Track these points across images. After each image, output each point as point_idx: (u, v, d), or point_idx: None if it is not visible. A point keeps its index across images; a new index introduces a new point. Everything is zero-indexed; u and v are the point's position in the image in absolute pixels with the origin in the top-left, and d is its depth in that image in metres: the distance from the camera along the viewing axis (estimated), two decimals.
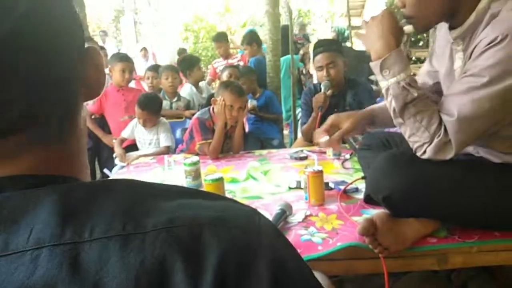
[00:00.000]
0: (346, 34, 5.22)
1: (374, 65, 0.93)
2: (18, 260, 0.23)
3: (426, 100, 0.90)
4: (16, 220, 0.25)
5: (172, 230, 0.24)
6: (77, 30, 0.31)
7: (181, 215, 0.25)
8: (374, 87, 3.88)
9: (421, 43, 4.89)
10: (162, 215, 0.25)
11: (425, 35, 4.53)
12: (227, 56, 3.68)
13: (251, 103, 2.57)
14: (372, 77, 4.82)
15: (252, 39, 3.44)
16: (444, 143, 0.86)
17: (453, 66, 0.98)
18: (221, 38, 3.74)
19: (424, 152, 0.88)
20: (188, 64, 3.02)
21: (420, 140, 0.88)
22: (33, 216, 0.25)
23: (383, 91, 0.93)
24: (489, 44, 0.80)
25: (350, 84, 2.01)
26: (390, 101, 0.91)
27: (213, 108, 1.88)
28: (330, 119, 1.16)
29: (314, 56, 1.99)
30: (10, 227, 0.24)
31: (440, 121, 0.87)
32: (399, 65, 0.90)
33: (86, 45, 0.33)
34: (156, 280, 0.22)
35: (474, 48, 0.85)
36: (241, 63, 3.45)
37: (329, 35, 5.65)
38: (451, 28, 0.93)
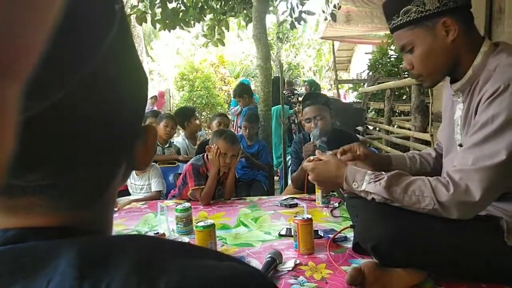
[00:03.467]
0: (317, 85, 5.62)
1: (346, 188, 1.05)
2: None
3: (398, 176, 0.96)
4: (34, 270, 0.25)
5: None
6: (141, 107, 0.32)
7: (191, 275, 0.26)
8: (360, 137, 4.02)
9: (404, 97, 5.18)
10: (174, 275, 0.26)
11: (407, 89, 4.82)
12: None
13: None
14: (359, 128, 5.04)
15: (242, 91, 3.58)
16: (463, 193, 0.86)
17: (454, 116, 1.06)
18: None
19: (448, 213, 0.89)
20: (185, 115, 3.05)
21: (427, 206, 0.90)
22: (52, 267, 0.25)
23: (363, 195, 1.02)
24: (492, 94, 0.86)
25: (338, 135, 2.11)
26: (377, 198, 0.98)
27: (207, 155, 1.94)
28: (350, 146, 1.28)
29: (303, 108, 2.11)
30: (28, 276, 0.25)
31: (432, 182, 0.91)
32: (358, 173, 1.03)
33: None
34: None
35: (478, 102, 0.91)
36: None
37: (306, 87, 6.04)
38: (452, 81, 1.03)
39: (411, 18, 0.96)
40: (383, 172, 1.00)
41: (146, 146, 0.34)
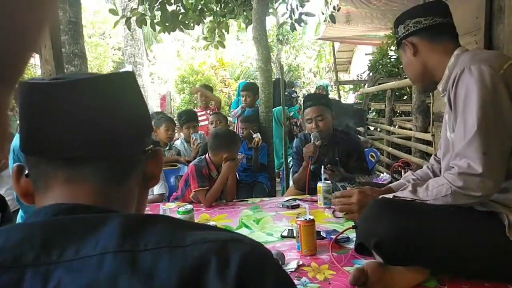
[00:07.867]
0: (329, 88, 5.59)
1: None
2: (87, 262, 0.32)
3: (419, 183, 1.09)
4: (86, 234, 0.33)
5: (206, 243, 0.34)
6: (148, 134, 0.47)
7: (210, 236, 0.35)
8: (362, 138, 4.02)
9: (405, 98, 5.17)
10: (197, 236, 0.35)
11: (408, 89, 4.82)
12: (207, 107, 3.84)
13: (258, 136, 2.73)
14: (360, 129, 5.03)
15: (257, 91, 3.59)
16: (467, 169, 0.92)
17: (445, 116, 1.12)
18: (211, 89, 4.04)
19: (468, 191, 0.92)
20: (187, 117, 3.03)
21: (447, 192, 0.95)
22: (100, 231, 0.33)
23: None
24: (453, 81, 0.98)
25: (339, 135, 2.11)
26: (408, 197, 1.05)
27: (209, 156, 1.94)
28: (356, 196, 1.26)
29: (304, 109, 2.11)
30: (81, 239, 0.33)
31: (442, 175, 1.00)
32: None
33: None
34: (196, 271, 0.32)
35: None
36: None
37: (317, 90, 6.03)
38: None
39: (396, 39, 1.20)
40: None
41: (156, 163, 0.47)
